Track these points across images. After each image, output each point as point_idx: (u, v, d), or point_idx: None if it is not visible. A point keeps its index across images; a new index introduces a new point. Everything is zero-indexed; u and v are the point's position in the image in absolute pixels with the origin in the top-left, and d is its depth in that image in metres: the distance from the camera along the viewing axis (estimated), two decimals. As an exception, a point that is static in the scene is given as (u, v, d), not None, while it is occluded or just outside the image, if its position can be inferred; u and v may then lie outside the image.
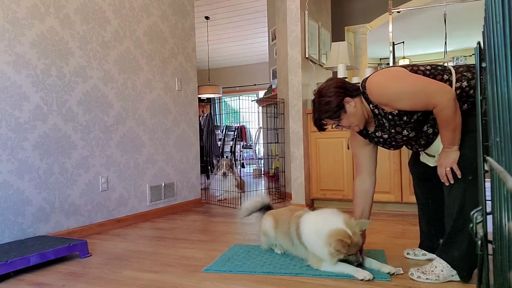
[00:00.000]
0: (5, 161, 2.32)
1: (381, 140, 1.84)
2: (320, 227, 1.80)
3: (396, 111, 1.68)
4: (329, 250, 1.74)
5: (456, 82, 1.66)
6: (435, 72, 1.69)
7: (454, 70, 1.69)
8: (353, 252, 1.76)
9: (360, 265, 1.81)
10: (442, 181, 1.68)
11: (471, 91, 1.65)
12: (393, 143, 1.82)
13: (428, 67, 1.71)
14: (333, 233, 1.72)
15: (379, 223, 2.92)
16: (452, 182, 1.64)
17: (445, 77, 1.68)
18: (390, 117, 1.71)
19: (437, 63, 1.74)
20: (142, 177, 3.34)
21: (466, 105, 1.66)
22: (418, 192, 2.00)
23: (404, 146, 1.88)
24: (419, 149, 1.85)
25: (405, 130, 1.73)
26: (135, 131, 3.28)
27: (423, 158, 1.91)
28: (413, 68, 1.70)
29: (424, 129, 1.74)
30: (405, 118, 1.69)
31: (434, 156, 1.82)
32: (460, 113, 1.60)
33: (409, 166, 2.04)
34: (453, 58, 6.66)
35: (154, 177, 3.47)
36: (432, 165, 1.87)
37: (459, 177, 1.62)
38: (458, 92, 1.65)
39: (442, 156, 1.66)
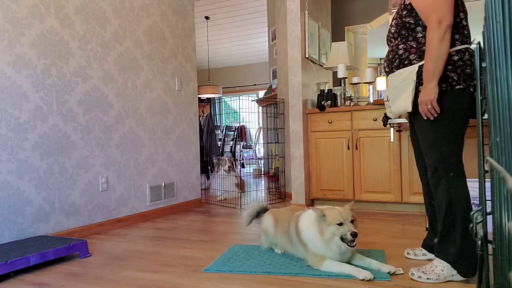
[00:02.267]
0: (5, 161, 2.32)
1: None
2: (316, 217, 1.86)
3: (408, 2, 1.73)
4: (328, 228, 1.78)
5: (461, 44, 1.67)
6: (464, 16, 1.70)
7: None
8: (343, 220, 1.78)
9: (353, 241, 1.78)
10: (425, 118, 1.68)
11: (460, 64, 1.65)
12: (388, 31, 1.89)
13: (464, 13, 1.72)
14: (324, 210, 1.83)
15: (379, 223, 2.92)
16: (432, 118, 1.66)
17: (463, 23, 1.69)
18: (403, 1, 1.79)
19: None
20: (142, 177, 3.34)
21: (454, 75, 1.65)
22: (423, 191, 2.01)
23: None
24: (384, 64, 1.91)
25: (394, 21, 1.81)
26: (135, 131, 3.28)
27: (386, 108, 1.95)
28: None
29: (401, 44, 1.77)
30: (405, 12, 1.75)
31: (388, 101, 1.88)
32: (448, 48, 1.60)
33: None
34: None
35: (154, 177, 3.47)
36: (388, 114, 1.92)
37: (438, 112, 1.64)
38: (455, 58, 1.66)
39: (422, 92, 1.67)
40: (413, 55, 1.73)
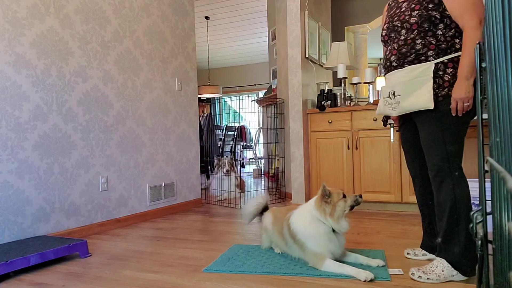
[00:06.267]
0: (5, 161, 2.32)
1: (398, 10, 1.83)
2: (309, 208, 1.93)
3: None
4: (337, 205, 1.85)
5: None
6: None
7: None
8: (339, 197, 1.86)
9: (354, 206, 1.90)
10: (453, 114, 1.66)
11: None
12: (395, 20, 1.81)
13: None
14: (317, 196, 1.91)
15: (379, 223, 2.92)
16: (460, 115, 1.65)
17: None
18: None
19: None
20: (142, 177, 3.34)
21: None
22: (417, 194, 2.00)
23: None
24: (392, 58, 1.83)
25: (416, 12, 1.72)
26: (135, 131, 3.28)
27: (382, 103, 1.92)
28: None
29: (418, 39, 1.73)
30: (431, 5, 1.70)
31: (390, 98, 1.85)
32: None
33: (408, 167, 2.04)
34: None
35: (154, 177, 3.47)
36: (387, 111, 1.90)
37: (470, 108, 1.63)
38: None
39: (459, 89, 1.62)
40: (431, 51, 1.71)
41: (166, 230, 2.91)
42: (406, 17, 1.76)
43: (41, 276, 1.93)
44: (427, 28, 1.72)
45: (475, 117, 1.48)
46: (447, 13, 1.68)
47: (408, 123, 1.92)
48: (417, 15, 1.73)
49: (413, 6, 1.75)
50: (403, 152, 3.27)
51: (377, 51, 8.62)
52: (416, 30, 1.74)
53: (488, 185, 1.02)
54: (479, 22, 1.57)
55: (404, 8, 1.79)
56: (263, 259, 2.06)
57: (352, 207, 1.88)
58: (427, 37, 1.72)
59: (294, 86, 3.77)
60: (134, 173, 3.25)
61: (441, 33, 1.70)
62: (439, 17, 1.69)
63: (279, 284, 1.72)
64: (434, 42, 1.71)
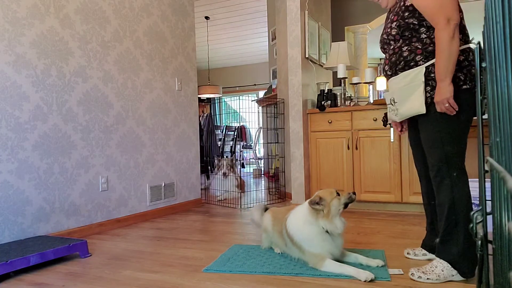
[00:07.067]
0: (5, 161, 2.32)
1: (386, 22, 1.88)
2: (303, 210, 1.93)
3: (409, 3, 1.71)
4: (331, 205, 1.84)
5: (464, 44, 1.68)
6: (462, 16, 1.70)
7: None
8: (335, 190, 1.88)
9: (348, 204, 1.91)
10: (452, 114, 1.66)
11: (466, 64, 1.67)
12: (384, 33, 1.87)
13: (462, 13, 1.71)
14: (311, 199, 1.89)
15: (379, 223, 2.92)
16: (453, 114, 1.65)
17: (463, 23, 1.70)
18: (402, 3, 1.77)
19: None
20: (142, 177, 3.34)
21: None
22: (422, 191, 2.01)
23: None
24: (386, 68, 1.88)
25: (395, 23, 1.77)
26: (135, 131, 3.28)
27: (389, 111, 1.94)
28: None
29: (404, 46, 1.75)
30: (406, 13, 1.73)
31: (392, 104, 1.87)
32: (458, 46, 1.60)
33: (415, 166, 2.04)
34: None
35: (154, 177, 3.47)
36: (393, 117, 1.92)
37: (456, 110, 1.64)
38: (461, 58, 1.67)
39: (436, 92, 1.65)
40: (419, 56, 1.72)
41: (166, 230, 2.91)
42: (389, 30, 1.82)
43: (41, 276, 1.93)
44: (409, 36, 1.75)
45: (475, 117, 1.48)
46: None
47: (412, 122, 1.94)
48: (396, 26, 1.77)
49: (393, 17, 1.81)
50: (403, 152, 3.29)
51: (377, 51, 8.61)
52: (400, 40, 1.78)
53: (488, 185, 1.02)
54: (446, 22, 1.58)
55: (389, 20, 1.85)
56: (263, 259, 2.06)
57: (346, 205, 1.88)
58: (413, 43, 1.74)
59: (294, 86, 3.77)
60: (134, 173, 3.25)
61: (425, 36, 1.71)
62: (417, 22, 1.71)
63: (279, 284, 1.72)
64: (420, 47, 1.72)
